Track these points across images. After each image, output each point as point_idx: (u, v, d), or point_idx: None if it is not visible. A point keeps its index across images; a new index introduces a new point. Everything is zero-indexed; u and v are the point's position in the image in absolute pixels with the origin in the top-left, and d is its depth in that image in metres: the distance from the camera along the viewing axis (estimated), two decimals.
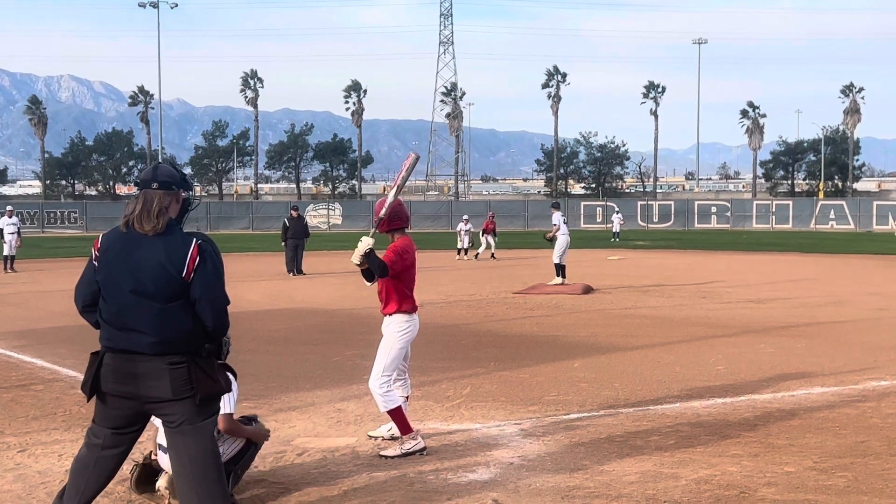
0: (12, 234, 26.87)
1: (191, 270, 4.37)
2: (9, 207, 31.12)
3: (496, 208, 69.04)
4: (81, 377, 4.61)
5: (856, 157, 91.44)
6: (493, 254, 32.12)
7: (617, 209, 54.25)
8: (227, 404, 5.46)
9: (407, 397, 7.20)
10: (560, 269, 20.58)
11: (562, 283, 20.10)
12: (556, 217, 21.33)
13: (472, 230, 33.07)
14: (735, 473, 6.18)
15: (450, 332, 13.51)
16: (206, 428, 4.50)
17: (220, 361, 4.66)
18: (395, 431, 6.90)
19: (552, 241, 21.03)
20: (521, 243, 41.95)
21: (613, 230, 48.25)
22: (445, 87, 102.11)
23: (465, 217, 33.65)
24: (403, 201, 7.21)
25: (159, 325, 4.35)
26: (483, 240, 32.79)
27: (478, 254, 32.17)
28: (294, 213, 26.00)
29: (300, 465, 6.45)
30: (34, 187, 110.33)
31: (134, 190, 4.75)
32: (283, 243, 25.58)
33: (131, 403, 4.46)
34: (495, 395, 8.87)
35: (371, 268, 6.80)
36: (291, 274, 24.53)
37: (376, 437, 7.12)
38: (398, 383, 7.06)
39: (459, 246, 32.79)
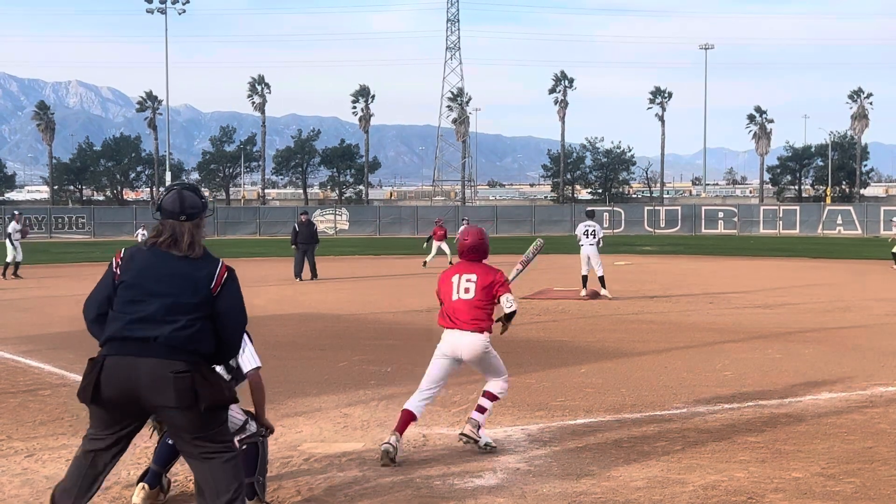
0: (17, 239, 26.69)
1: (219, 284, 4.55)
2: (16, 212, 31.02)
3: (502, 213, 69.32)
4: None
5: (863, 163, 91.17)
6: (451, 260, 29.46)
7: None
8: (255, 358, 5.57)
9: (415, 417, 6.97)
10: (584, 280, 19.49)
11: (585, 295, 19.02)
12: (578, 227, 19.93)
13: None
14: (742, 479, 6.17)
15: None
16: (216, 437, 4.54)
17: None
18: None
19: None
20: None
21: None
22: (452, 93, 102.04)
23: (466, 219, 33.31)
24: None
25: (173, 323, 4.42)
26: (436, 247, 30.57)
27: (425, 262, 29.90)
28: (303, 218, 25.65)
29: (307, 471, 6.45)
30: (42, 192, 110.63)
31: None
32: (292, 247, 25.53)
33: (132, 408, 4.49)
34: (502, 400, 8.85)
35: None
36: (298, 279, 24.50)
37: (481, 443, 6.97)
38: (426, 401, 6.98)
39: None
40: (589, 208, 22.76)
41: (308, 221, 25.63)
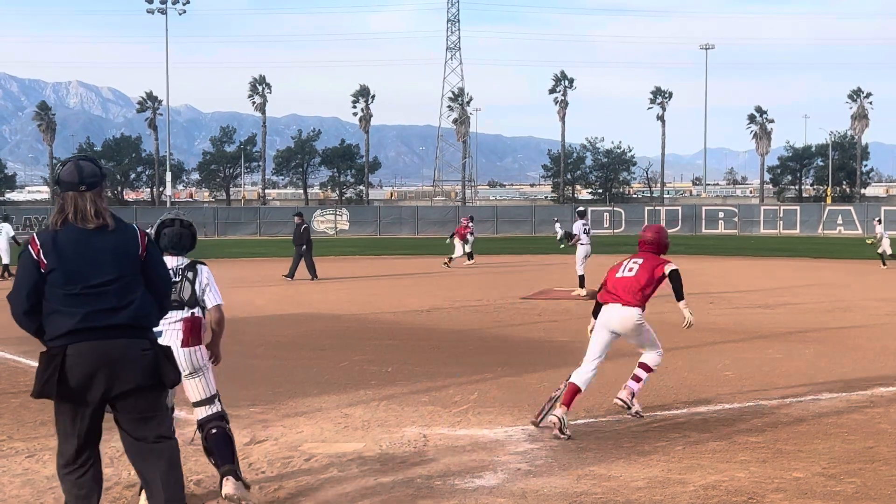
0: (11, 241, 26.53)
1: (144, 248, 4.60)
2: (9, 215, 30.91)
3: (503, 213, 69.26)
4: None
5: (864, 163, 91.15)
6: (447, 261, 29.71)
7: (556, 218, 53.98)
8: (219, 296, 5.91)
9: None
10: (582, 280, 19.65)
11: (585, 296, 18.78)
12: (577, 226, 20.39)
13: (474, 234, 32.20)
14: (743, 479, 6.17)
15: (457, 338, 13.52)
16: (167, 418, 4.66)
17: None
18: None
19: (573, 246, 20.52)
20: (529, 248, 41.93)
21: (558, 237, 45.25)
22: (452, 93, 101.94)
23: (471, 216, 33.28)
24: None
25: (130, 306, 4.43)
26: (459, 243, 30.44)
27: (470, 256, 30.28)
28: (296, 220, 25.77)
29: (307, 471, 6.45)
30: (42, 193, 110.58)
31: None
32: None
33: (95, 394, 4.37)
34: (502, 400, 8.86)
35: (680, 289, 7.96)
36: (288, 278, 24.50)
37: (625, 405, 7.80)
38: (592, 373, 7.69)
39: (467, 250, 32.34)
40: (581, 207, 22.82)
41: (299, 223, 25.48)
